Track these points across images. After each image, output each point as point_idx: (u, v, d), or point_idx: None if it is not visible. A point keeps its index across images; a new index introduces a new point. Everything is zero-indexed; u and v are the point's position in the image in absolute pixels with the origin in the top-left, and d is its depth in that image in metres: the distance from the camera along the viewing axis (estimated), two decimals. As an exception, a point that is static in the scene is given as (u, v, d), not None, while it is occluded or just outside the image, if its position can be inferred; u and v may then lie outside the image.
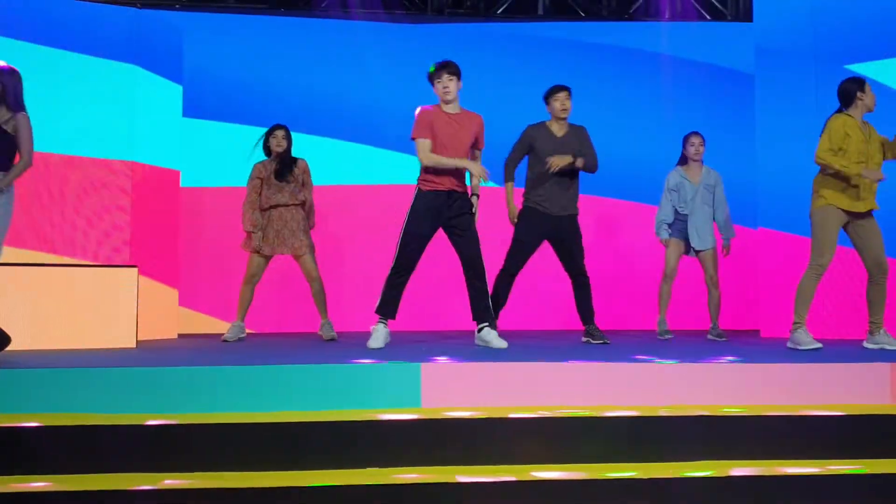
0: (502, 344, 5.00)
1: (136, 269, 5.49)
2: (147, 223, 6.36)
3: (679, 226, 6.24)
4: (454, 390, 3.85)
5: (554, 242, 5.63)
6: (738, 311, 7.73)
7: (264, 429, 3.50)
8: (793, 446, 3.58)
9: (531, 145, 5.61)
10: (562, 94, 5.57)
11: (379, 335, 5.02)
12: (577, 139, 5.61)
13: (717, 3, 8.78)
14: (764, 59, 6.77)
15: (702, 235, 6.16)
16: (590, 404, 3.80)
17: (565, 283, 5.75)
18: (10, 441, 3.38)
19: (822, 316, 6.20)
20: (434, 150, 5.09)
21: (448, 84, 5.06)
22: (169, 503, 3.14)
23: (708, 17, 8.77)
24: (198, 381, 3.78)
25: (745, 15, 8.41)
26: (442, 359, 4.18)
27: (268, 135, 6.13)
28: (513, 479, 3.30)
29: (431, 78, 5.13)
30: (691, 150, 6.23)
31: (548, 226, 5.55)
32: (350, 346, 5.29)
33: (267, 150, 6.14)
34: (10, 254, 5.28)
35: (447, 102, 5.13)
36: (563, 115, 5.59)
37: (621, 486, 3.29)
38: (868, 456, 3.55)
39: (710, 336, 6.15)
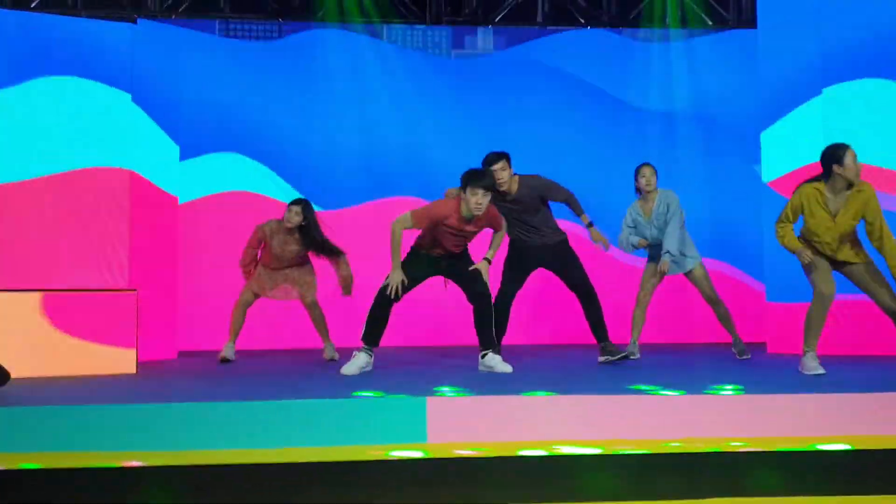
0: (507, 368, 4.93)
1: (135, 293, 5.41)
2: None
3: (653, 252, 6.10)
4: (461, 425, 3.78)
5: (548, 267, 5.59)
6: (743, 323, 7.63)
7: (263, 469, 3.41)
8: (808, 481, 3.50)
9: None
10: (498, 165, 5.31)
11: (357, 362, 4.99)
12: (530, 191, 5.45)
13: (720, 9, 8.67)
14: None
15: (678, 262, 6.00)
16: (598, 439, 3.72)
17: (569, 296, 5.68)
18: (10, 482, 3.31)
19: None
20: (426, 240, 5.08)
21: (482, 201, 4.89)
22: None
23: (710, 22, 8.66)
24: (195, 418, 3.70)
25: (749, 21, 8.29)
26: (446, 389, 4.11)
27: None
28: (523, 520, 3.23)
29: (466, 181, 4.89)
30: (642, 182, 6.03)
31: (534, 257, 5.52)
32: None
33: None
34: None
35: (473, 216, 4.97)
36: (503, 188, 5.35)
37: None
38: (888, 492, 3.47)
39: (733, 350, 6.02)
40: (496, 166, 5.29)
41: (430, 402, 3.81)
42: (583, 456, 3.53)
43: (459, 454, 3.53)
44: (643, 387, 4.21)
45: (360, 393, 4.04)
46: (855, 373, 4.86)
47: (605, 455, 3.54)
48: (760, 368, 5.29)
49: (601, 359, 5.51)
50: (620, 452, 3.53)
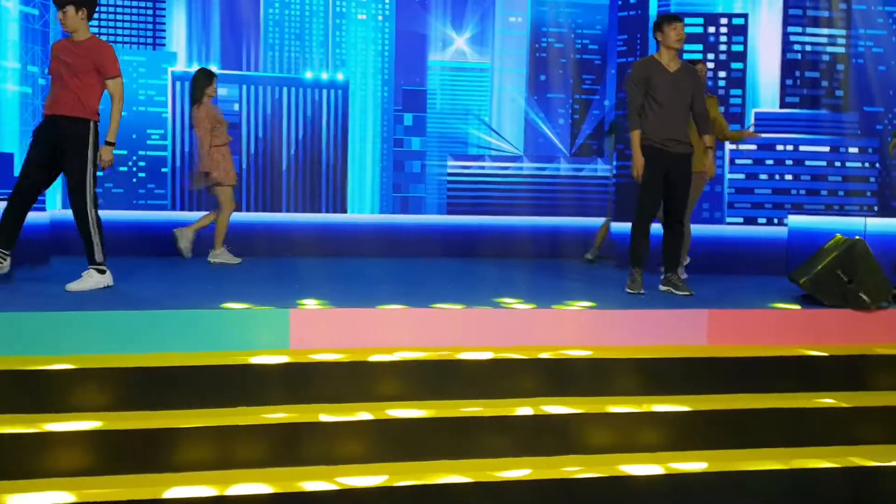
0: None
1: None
2: None
3: None
4: (321, 334, 4.17)
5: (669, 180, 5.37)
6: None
7: (136, 372, 3.71)
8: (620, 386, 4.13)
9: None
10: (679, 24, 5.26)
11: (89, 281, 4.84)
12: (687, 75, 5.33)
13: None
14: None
15: None
16: (448, 345, 4.20)
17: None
18: None
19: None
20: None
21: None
22: (43, 445, 3.35)
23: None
24: (70, 326, 3.93)
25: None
26: (310, 302, 4.47)
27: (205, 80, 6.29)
28: (370, 417, 3.69)
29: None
30: None
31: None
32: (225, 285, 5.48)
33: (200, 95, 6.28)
34: None
35: None
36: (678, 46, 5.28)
37: (469, 421, 3.75)
38: (689, 393, 4.14)
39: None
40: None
41: (294, 313, 4.18)
42: (425, 360, 4.01)
43: (317, 359, 3.95)
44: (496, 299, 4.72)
45: (228, 305, 4.35)
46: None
47: (449, 360, 4.04)
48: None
49: (663, 287, 5.43)
50: (462, 358, 4.04)
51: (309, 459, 3.57)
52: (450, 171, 8.54)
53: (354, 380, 3.93)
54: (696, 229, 6.65)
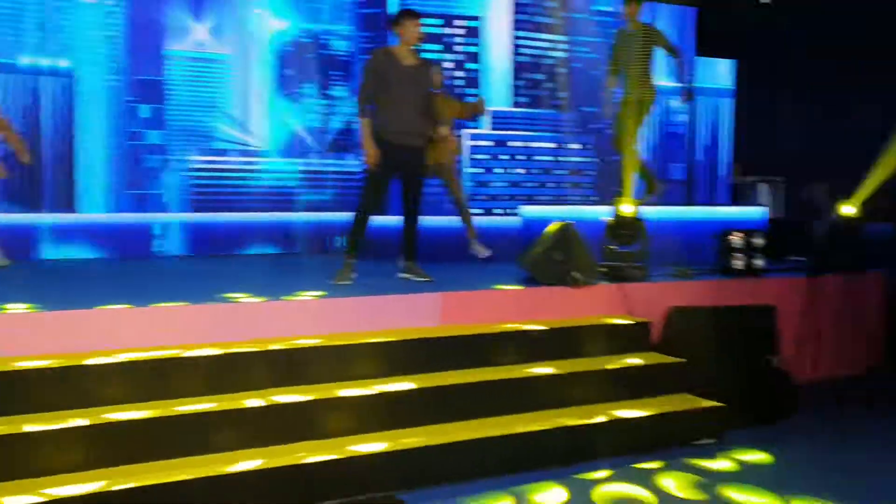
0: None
1: None
2: None
3: None
4: (27, 340, 3.82)
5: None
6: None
7: None
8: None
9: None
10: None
11: None
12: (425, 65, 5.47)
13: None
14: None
15: None
16: (175, 344, 4.03)
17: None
18: None
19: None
20: None
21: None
22: None
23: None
24: None
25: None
26: (13, 306, 4.09)
27: None
28: (86, 422, 3.44)
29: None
30: None
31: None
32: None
33: None
34: None
35: None
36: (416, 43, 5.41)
37: (192, 418, 3.61)
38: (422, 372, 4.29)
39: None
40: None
41: (-5, 317, 3.80)
42: (150, 360, 3.82)
43: (23, 367, 3.61)
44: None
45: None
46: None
47: (176, 358, 3.87)
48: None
49: (402, 275, 5.54)
50: (188, 356, 3.90)
51: (14, 474, 3.26)
52: (193, 166, 8.19)
53: (69, 387, 3.65)
54: (441, 221, 6.94)
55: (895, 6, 7.76)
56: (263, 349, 4.05)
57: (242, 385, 3.92)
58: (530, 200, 7.56)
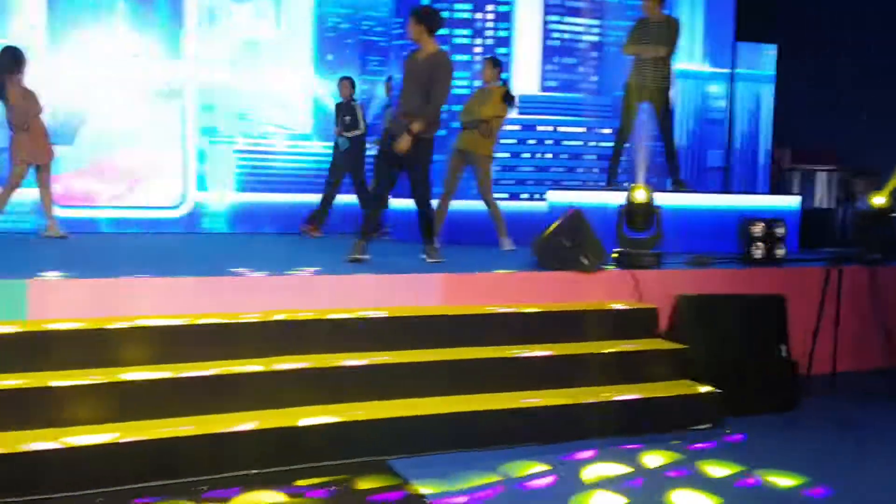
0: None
1: None
2: None
3: None
4: (63, 304, 4.20)
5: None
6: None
7: None
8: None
9: None
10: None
11: None
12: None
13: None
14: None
15: None
16: (185, 313, 4.36)
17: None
18: None
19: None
20: None
21: None
22: None
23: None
24: None
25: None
26: (51, 274, 4.48)
27: None
28: (101, 380, 3.80)
29: None
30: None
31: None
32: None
33: None
34: None
35: None
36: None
37: (202, 381, 3.94)
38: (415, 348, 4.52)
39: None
40: None
41: (32, 283, 4.18)
42: (167, 327, 4.16)
43: (55, 328, 3.99)
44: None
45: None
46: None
47: (187, 325, 4.20)
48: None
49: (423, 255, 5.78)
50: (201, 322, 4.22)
51: (36, 423, 3.63)
52: (239, 148, 8.57)
53: (92, 347, 4.01)
54: (466, 205, 7.16)
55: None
56: (266, 319, 4.34)
57: (261, 352, 4.22)
58: (558, 185, 7.67)
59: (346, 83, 8.13)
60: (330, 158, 8.29)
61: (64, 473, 3.44)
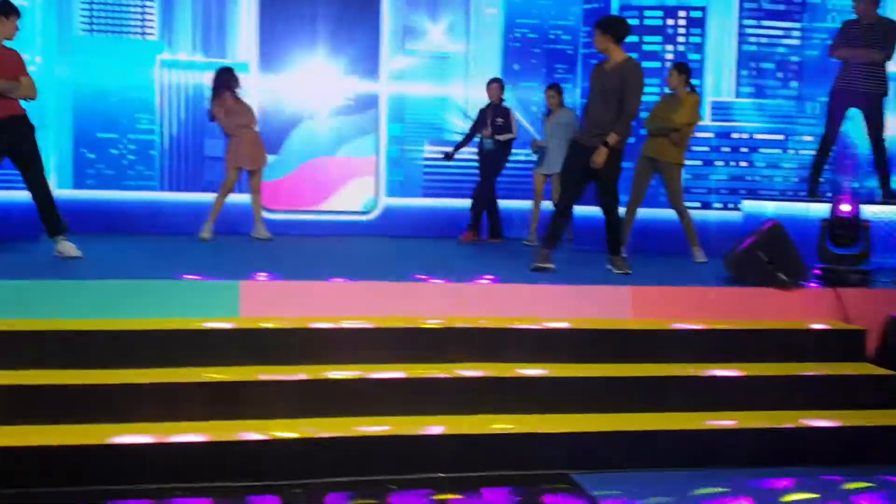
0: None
1: None
2: None
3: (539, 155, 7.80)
4: (270, 303, 4.55)
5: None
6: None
7: (94, 335, 4.12)
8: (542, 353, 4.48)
9: None
10: None
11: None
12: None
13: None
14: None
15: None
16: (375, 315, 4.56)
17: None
18: None
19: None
20: None
21: None
22: (23, 397, 3.77)
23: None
24: (42, 292, 4.35)
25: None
26: (261, 275, 4.85)
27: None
28: (304, 377, 4.07)
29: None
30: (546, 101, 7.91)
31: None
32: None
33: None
34: None
35: None
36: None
37: (395, 383, 4.12)
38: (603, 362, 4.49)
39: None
40: None
41: (244, 284, 4.56)
42: (363, 329, 4.39)
43: (264, 326, 4.33)
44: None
45: (187, 276, 4.74)
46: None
47: (382, 328, 4.41)
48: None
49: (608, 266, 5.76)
50: (388, 326, 4.41)
51: (245, 414, 3.95)
52: (426, 156, 8.86)
53: (297, 344, 4.31)
54: (655, 213, 6.99)
55: None
56: (449, 326, 4.46)
57: (436, 358, 4.35)
58: (753, 195, 7.29)
59: (497, 85, 7.98)
60: (476, 164, 8.23)
61: (270, 462, 3.72)
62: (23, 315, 4.24)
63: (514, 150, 8.16)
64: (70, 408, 3.81)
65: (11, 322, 4.17)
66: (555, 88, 7.86)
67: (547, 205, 7.92)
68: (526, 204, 8.39)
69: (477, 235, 8.13)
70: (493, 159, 7.99)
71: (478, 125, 8.05)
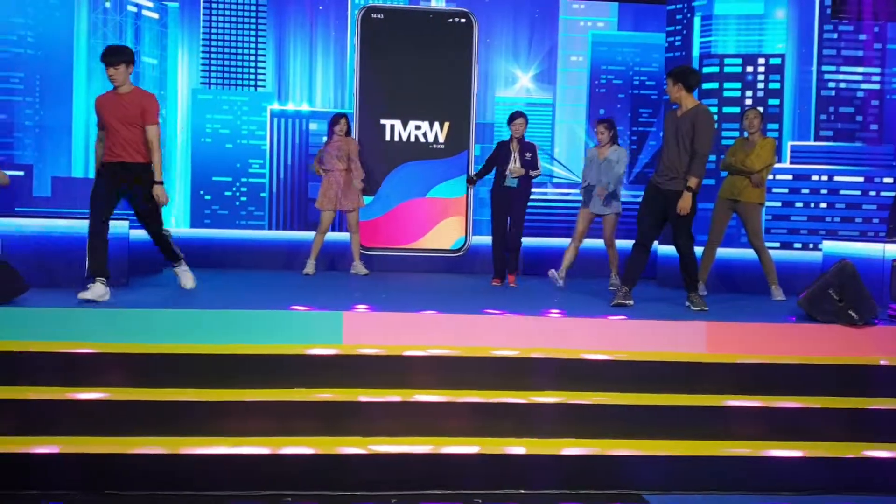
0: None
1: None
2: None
3: (586, 195, 7.52)
4: (369, 332, 5.06)
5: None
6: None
7: (215, 358, 4.71)
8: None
9: None
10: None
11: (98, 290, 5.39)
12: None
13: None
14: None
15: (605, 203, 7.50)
16: (461, 345, 5.00)
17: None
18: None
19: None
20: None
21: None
22: (157, 412, 4.39)
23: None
24: (169, 321, 5.00)
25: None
26: (361, 307, 5.38)
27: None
28: (398, 399, 4.54)
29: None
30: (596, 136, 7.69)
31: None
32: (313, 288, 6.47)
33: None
34: None
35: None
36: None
37: (479, 406, 4.54)
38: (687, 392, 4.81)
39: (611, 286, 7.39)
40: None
41: (346, 315, 5.09)
42: (450, 357, 4.83)
43: (364, 353, 4.84)
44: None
45: (297, 307, 5.30)
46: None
47: (467, 357, 4.84)
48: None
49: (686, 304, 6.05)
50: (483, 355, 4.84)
51: (345, 431, 4.44)
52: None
53: (392, 371, 4.79)
54: (734, 253, 7.21)
55: None
56: (525, 356, 4.87)
57: (527, 385, 4.75)
58: (833, 236, 7.42)
59: (522, 120, 7.50)
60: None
61: (368, 475, 4.18)
62: (154, 340, 4.87)
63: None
64: (197, 422, 4.39)
65: (146, 346, 4.81)
66: (605, 124, 7.60)
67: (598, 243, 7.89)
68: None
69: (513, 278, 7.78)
70: (520, 197, 7.54)
71: (499, 160, 7.60)
